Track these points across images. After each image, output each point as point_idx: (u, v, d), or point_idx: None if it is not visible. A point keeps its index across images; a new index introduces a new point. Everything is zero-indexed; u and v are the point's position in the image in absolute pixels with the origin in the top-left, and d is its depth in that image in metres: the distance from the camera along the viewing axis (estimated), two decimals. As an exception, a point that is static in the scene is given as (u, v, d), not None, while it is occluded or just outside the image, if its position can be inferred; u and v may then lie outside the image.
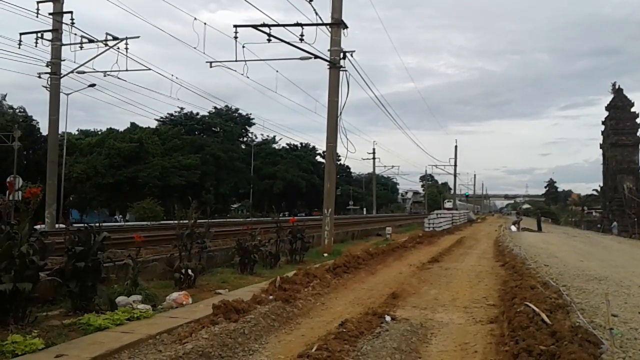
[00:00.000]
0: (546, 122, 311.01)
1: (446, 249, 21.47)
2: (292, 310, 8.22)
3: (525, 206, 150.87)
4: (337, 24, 18.14)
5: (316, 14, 17.71)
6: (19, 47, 22.17)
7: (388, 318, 7.60)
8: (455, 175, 75.14)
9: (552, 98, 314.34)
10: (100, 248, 7.74)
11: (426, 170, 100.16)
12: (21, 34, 22.34)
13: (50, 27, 22.75)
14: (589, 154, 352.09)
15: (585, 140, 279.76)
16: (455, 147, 73.68)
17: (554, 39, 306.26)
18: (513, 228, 40.24)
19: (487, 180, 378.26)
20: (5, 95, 49.32)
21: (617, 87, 66.09)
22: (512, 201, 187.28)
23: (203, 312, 7.59)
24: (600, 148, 68.37)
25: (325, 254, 17.42)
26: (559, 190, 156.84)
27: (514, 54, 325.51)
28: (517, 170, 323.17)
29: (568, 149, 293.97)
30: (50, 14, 22.63)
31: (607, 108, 66.15)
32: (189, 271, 9.96)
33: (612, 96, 65.92)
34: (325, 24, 18.11)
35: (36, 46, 22.60)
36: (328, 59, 18.39)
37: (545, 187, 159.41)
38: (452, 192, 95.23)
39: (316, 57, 18.56)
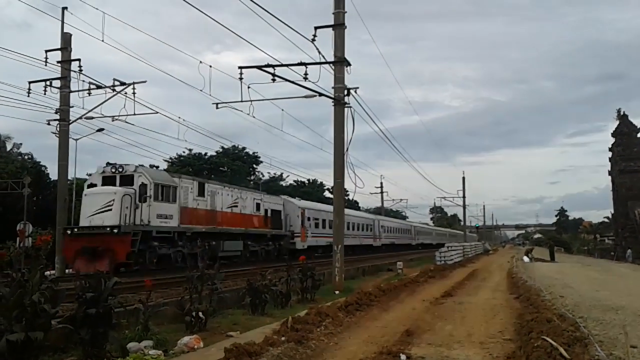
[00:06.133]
0: (554, 150, 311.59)
1: (459, 282, 21.23)
2: (305, 352, 8.10)
3: (537, 236, 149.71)
4: (340, 62, 18.38)
5: (319, 52, 17.98)
6: (28, 95, 22.50)
7: (403, 357, 7.48)
8: (464, 207, 74.84)
9: (559, 125, 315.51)
10: (111, 294, 7.71)
11: (435, 203, 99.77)
12: (30, 82, 22.74)
13: (59, 75, 23.20)
14: (598, 181, 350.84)
15: (595, 167, 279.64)
16: (463, 178, 73.37)
17: (559, 66, 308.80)
18: (525, 259, 39.83)
19: (497, 210, 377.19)
20: (21, 145, 50.13)
21: (622, 113, 66.34)
22: (523, 231, 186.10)
23: (215, 356, 7.48)
24: (609, 175, 68.19)
25: (337, 292, 17.24)
26: (570, 218, 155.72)
27: (519, 83, 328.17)
28: (527, 199, 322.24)
29: (578, 176, 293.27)
30: (58, 62, 23.11)
31: (614, 134, 66.26)
32: (200, 314, 9.88)
33: (617, 122, 66.10)
34: (329, 62, 18.37)
35: (45, 94, 22.96)
36: (332, 96, 18.58)
37: (556, 216, 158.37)
38: (462, 223, 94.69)
39: (320, 94, 18.77)
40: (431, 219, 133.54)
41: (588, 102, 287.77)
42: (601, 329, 8.82)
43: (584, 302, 12.74)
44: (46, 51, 22.75)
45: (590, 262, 45.19)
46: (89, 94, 23.28)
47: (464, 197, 72.12)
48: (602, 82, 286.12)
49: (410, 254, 55.70)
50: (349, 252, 37.89)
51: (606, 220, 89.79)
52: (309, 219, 38.73)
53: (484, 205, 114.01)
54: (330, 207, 41.95)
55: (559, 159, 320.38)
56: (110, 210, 21.68)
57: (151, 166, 30.99)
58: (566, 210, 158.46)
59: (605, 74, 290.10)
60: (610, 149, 67.27)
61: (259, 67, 18.19)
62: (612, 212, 72.08)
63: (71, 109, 23.85)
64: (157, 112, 24.66)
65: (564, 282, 19.48)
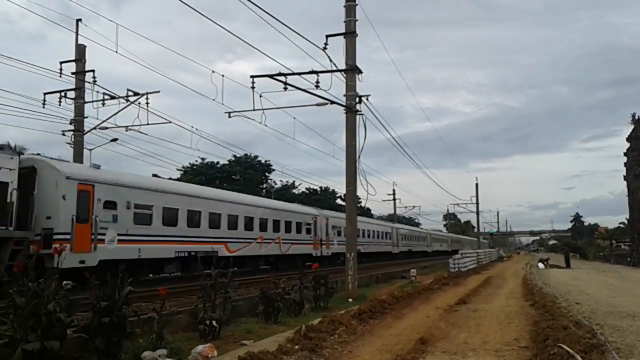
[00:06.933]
0: (569, 155, 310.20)
1: (473, 289, 21.08)
2: (319, 360, 8.08)
3: (552, 242, 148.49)
4: (352, 70, 18.41)
5: (330, 60, 18.03)
6: (44, 107, 22.85)
7: (417, 365, 7.43)
8: (477, 214, 74.30)
9: (573, 130, 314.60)
10: (125, 302, 7.75)
11: (448, 209, 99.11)
12: (45, 93, 23.11)
13: (73, 86, 23.48)
14: (614, 186, 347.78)
15: (610, 172, 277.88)
16: (476, 185, 72.83)
17: (572, 70, 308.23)
18: (541, 265, 39.58)
19: (511, 216, 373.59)
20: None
21: (636, 117, 65.76)
22: (538, 237, 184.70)
23: (229, 365, 7.50)
24: (625, 180, 67.58)
25: (350, 300, 17.19)
26: (585, 224, 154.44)
27: (532, 88, 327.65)
28: (542, 205, 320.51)
29: (592, 181, 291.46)
30: (73, 73, 23.40)
31: (629, 139, 65.73)
32: (214, 322, 9.90)
33: (632, 127, 65.57)
34: (340, 70, 18.40)
35: (60, 105, 23.32)
36: (344, 104, 18.61)
37: (571, 222, 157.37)
38: (475, 230, 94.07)
39: (332, 102, 18.79)
40: (444, 225, 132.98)
41: (602, 107, 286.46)
42: (618, 336, 8.72)
43: (600, 309, 12.61)
44: (61, 62, 23.14)
45: (606, 268, 44.70)
46: (103, 104, 23.59)
47: (477, 203, 71.72)
48: (616, 86, 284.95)
49: (425, 261, 52.09)
50: (256, 270, 26.96)
51: (622, 225, 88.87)
52: (100, 199, 18.82)
53: (497, 212, 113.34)
54: (152, 182, 24.88)
55: (573, 165, 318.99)
56: None
57: None
58: (581, 216, 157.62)
59: (618, 78, 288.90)
60: (625, 154, 66.72)
61: (271, 76, 18.27)
62: (628, 217, 71.35)
63: (85, 120, 24.14)
64: (170, 122, 24.81)
65: (579, 288, 19.30)
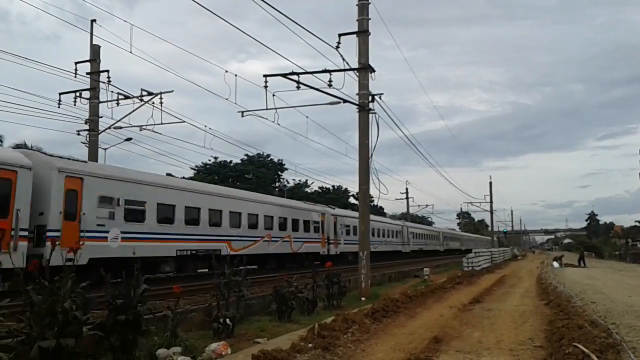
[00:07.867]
0: (584, 154, 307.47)
1: (487, 288, 20.96)
2: (332, 358, 8.09)
3: (567, 241, 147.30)
4: (365, 69, 18.39)
5: (343, 59, 18.01)
6: (59, 107, 23.06)
7: (431, 364, 7.41)
8: (491, 212, 73.83)
9: (588, 129, 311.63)
10: (140, 301, 7.80)
11: (461, 208, 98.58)
12: (60, 93, 23.33)
13: (88, 86, 23.67)
14: (630, 184, 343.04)
15: (626, 170, 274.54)
16: (490, 183, 72.38)
17: (588, 68, 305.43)
18: (555, 264, 39.27)
19: (525, 215, 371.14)
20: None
21: (652, 115, 64.97)
22: (552, 236, 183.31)
23: (243, 363, 7.53)
24: (641, 178, 66.83)
25: (363, 298, 17.19)
26: (600, 222, 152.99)
27: (546, 86, 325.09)
28: (556, 204, 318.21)
29: (608, 180, 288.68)
30: (87, 73, 23.58)
31: (644, 137, 64.91)
32: (227, 320, 9.95)
33: (648, 125, 64.84)
34: (353, 69, 18.38)
35: (75, 105, 23.53)
36: (357, 102, 18.58)
37: (586, 220, 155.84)
38: (489, 229, 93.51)
39: (345, 101, 18.78)
40: (458, 224, 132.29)
41: (618, 105, 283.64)
42: (634, 335, 8.62)
43: (616, 308, 12.48)
44: (76, 63, 23.34)
45: (622, 267, 44.25)
46: (118, 104, 23.82)
47: (491, 202, 71.30)
48: (632, 84, 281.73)
49: (438, 260, 53.08)
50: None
51: (638, 224, 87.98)
52: None
53: (511, 210, 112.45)
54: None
55: (588, 163, 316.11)
56: None
57: None
58: (597, 215, 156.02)
59: (635, 75, 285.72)
60: (641, 152, 65.90)
61: (284, 75, 18.30)
62: (644, 216, 70.57)
63: (100, 119, 24.33)
64: (184, 121, 24.93)
65: (595, 287, 19.11)
